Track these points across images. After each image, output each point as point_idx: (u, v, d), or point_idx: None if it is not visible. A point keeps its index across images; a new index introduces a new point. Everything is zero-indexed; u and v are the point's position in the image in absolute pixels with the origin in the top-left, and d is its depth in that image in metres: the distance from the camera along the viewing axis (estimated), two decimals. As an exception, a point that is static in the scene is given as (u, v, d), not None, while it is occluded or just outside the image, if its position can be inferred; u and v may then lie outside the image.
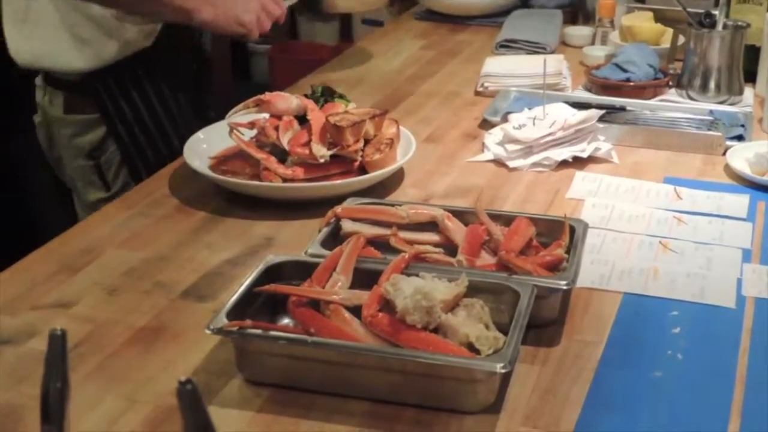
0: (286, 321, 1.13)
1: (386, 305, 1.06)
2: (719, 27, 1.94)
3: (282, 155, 1.52)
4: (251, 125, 1.56)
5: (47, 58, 1.81)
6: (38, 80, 1.91)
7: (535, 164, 1.64)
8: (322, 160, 1.47)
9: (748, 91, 1.99)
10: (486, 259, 1.23)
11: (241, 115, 1.57)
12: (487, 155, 1.69)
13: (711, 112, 1.88)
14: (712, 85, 1.95)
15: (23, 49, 1.82)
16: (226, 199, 1.51)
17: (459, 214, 1.30)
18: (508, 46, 2.31)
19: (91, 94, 1.84)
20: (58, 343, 0.63)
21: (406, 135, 1.63)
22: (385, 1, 2.45)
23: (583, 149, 1.66)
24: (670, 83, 2.01)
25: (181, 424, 0.60)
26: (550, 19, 2.47)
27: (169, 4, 1.71)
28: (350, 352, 1.03)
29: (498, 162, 1.67)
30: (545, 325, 1.16)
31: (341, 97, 1.67)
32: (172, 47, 1.93)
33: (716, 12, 1.97)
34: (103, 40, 1.81)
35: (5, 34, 1.85)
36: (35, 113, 1.93)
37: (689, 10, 1.97)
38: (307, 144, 1.49)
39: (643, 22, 2.25)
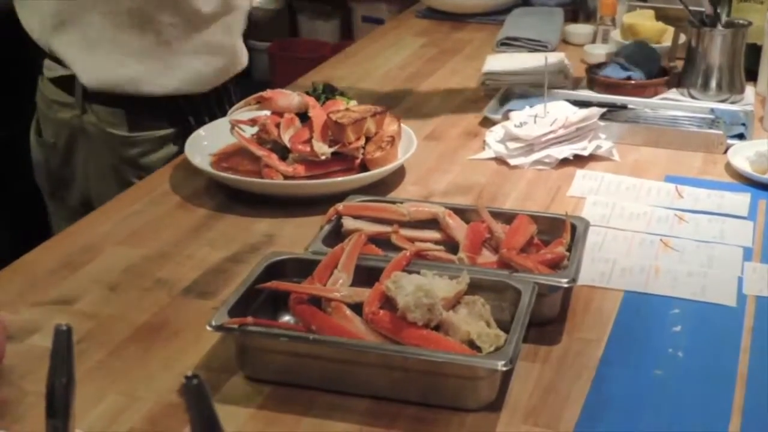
0: (287, 318, 1.13)
1: (387, 302, 1.06)
2: (720, 25, 1.94)
3: (283, 152, 1.52)
4: (252, 122, 1.56)
5: (133, 84, 1.73)
6: (61, 96, 1.78)
7: (536, 162, 1.64)
8: (323, 158, 1.47)
9: (749, 90, 1.99)
10: (487, 256, 1.23)
11: (242, 112, 1.57)
12: (488, 153, 1.69)
13: (712, 110, 1.88)
14: (713, 83, 1.95)
15: (100, 76, 1.73)
16: (227, 196, 1.51)
17: (460, 212, 1.30)
18: (509, 44, 2.31)
19: (171, 111, 1.78)
20: (63, 339, 0.63)
21: (407, 132, 1.63)
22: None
23: (584, 147, 1.66)
24: (671, 82, 2.01)
25: (189, 419, 0.60)
26: (551, 17, 2.47)
27: None
28: (351, 349, 1.03)
29: (499, 160, 1.67)
30: (546, 322, 1.16)
31: (342, 94, 1.67)
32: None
33: (719, 10, 1.97)
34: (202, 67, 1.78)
35: (69, 57, 1.73)
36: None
37: (691, 8, 1.97)
38: (309, 141, 1.49)
39: (644, 20, 2.24)
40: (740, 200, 1.52)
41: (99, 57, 1.72)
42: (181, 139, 1.78)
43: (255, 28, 4.43)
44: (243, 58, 1.91)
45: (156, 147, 1.79)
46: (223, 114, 1.78)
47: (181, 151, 1.77)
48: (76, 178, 1.84)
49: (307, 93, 1.62)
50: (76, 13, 1.71)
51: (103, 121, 1.77)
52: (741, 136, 1.76)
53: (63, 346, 0.63)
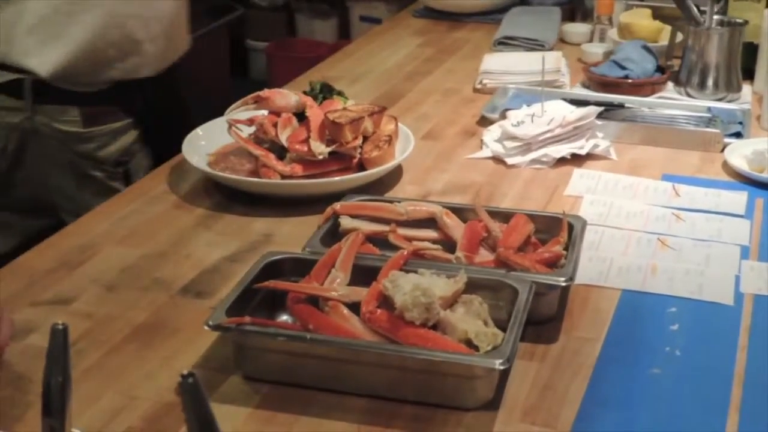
0: (284, 318, 1.13)
1: (385, 302, 1.07)
2: (707, 23, 1.94)
3: (281, 152, 1.52)
4: (250, 122, 1.56)
5: (89, 75, 1.75)
6: (6, 101, 1.77)
7: (533, 161, 1.65)
8: (320, 157, 1.47)
9: (746, 89, 1.99)
10: (484, 255, 1.23)
11: (239, 112, 1.57)
12: (486, 152, 1.69)
13: (709, 109, 1.88)
14: (710, 82, 1.95)
15: (63, 69, 1.74)
16: (225, 196, 1.51)
17: (457, 211, 1.30)
18: (506, 43, 2.31)
19: (124, 100, 1.79)
20: (59, 338, 0.63)
21: (404, 132, 1.63)
22: None
23: (582, 146, 1.66)
24: (668, 80, 2.01)
25: (184, 417, 0.60)
26: (549, 16, 2.47)
27: None
28: (349, 348, 1.03)
29: (496, 159, 1.67)
30: (544, 321, 1.16)
31: (340, 93, 1.67)
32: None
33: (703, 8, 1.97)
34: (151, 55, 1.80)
35: (27, 49, 1.73)
36: None
37: (685, 7, 1.97)
38: (306, 141, 1.49)
39: (641, 19, 2.25)
40: (737, 199, 1.52)
41: (58, 50, 1.73)
42: (135, 127, 1.80)
43: (253, 27, 4.43)
44: (185, 42, 1.94)
45: (111, 139, 1.81)
46: (174, 100, 1.79)
47: (138, 139, 1.80)
48: (26, 178, 1.85)
49: (305, 92, 1.62)
50: (63, 24, 1.73)
51: (56, 120, 1.79)
52: (738, 135, 1.76)
53: (59, 345, 0.63)
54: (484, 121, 1.83)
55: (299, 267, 1.15)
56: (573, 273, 1.16)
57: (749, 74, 2.01)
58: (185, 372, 0.60)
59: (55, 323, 0.64)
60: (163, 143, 1.78)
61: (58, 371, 0.63)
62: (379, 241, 1.25)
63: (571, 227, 1.26)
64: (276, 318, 1.13)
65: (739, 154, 1.65)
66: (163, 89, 1.88)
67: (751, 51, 2.01)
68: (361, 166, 1.52)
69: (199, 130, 1.64)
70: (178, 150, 1.58)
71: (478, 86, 2.04)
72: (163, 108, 1.86)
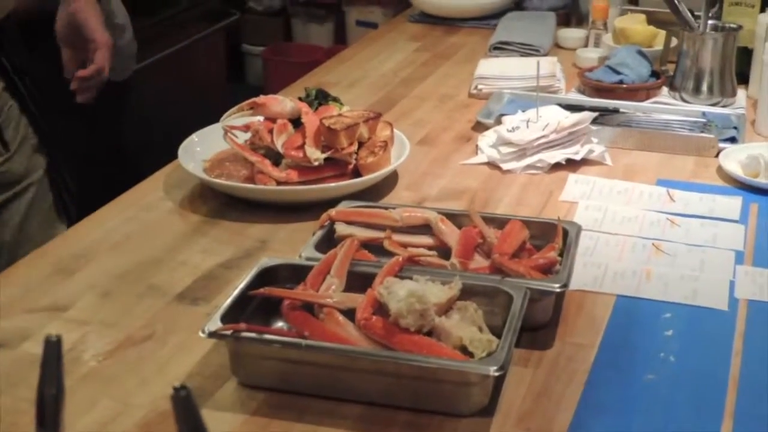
0: (280, 324, 1.13)
1: (380, 308, 1.07)
2: (702, 28, 1.94)
3: (276, 158, 1.52)
4: (246, 128, 1.56)
5: None
6: None
7: (528, 167, 1.65)
8: (316, 163, 1.48)
9: (741, 93, 1.99)
10: (479, 261, 1.23)
11: (235, 118, 1.57)
12: (481, 158, 1.70)
13: (704, 114, 1.89)
14: (704, 87, 1.96)
15: None
16: (221, 202, 1.51)
17: (452, 217, 1.30)
18: (501, 48, 2.31)
19: None
20: (53, 349, 0.63)
21: (399, 137, 1.63)
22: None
23: (577, 151, 1.66)
24: (663, 85, 2.02)
25: (176, 429, 0.60)
26: (544, 21, 2.48)
27: None
28: (344, 355, 1.03)
29: (491, 164, 1.67)
30: (538, 327, 1.16)
31: (335, 100, 1.67)
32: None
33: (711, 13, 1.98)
34: None
35: None
36: None
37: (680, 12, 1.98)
38: (301, 147, 1.49)
39: (635, 24, 2.25)
40: (732, 204, 1.53)
41: None
42: (2, 80, 1.71)
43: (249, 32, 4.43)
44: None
45: None
46: (15, 51, 1.72)
47: (4, 90, 1.70)
48: None
49: (300, 99, 1.62)
50: None
51: None
52: (733, 140, 1.77)
53: (52, 356, 0.63)
54: (480, 127, 1.83)
55: (295, 273, 1.15)
56: (568, 279, 1.16)
57: (744, 79, 2.01)
58: (177, 384, 0.60)
59: (49, 334, 0.64)
60: (36, 92, 1.74)
61: (52, 383, 0.63)
62: (374, 247, 1.25)
63: (565, 233, 1.26)
64: (271, 325, 1.13)
65: (734, 159, 1.65)
66: (26, 38, 1.79)
67: (745, 56, 2.01)
68: (357, 172, 1.52)
69: (194, 137, 1.64)
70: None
71: (474, 91, 2.04)
72: (32, 58, 1.77)
